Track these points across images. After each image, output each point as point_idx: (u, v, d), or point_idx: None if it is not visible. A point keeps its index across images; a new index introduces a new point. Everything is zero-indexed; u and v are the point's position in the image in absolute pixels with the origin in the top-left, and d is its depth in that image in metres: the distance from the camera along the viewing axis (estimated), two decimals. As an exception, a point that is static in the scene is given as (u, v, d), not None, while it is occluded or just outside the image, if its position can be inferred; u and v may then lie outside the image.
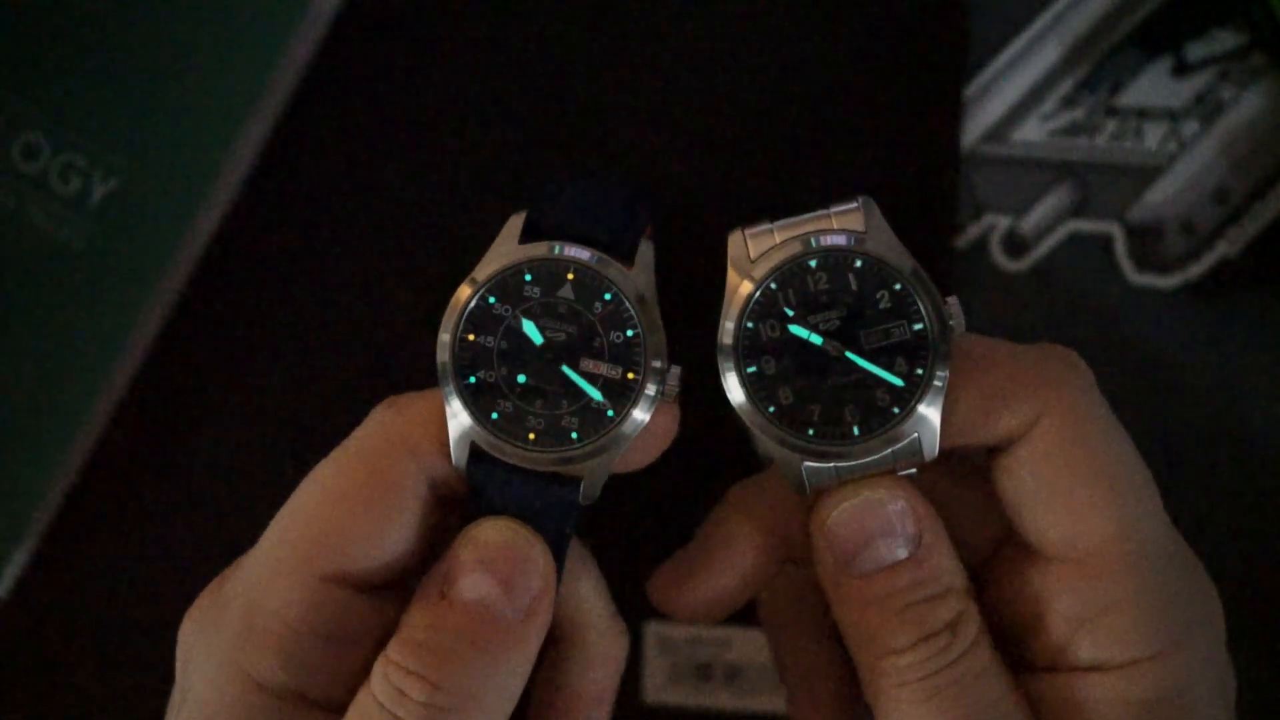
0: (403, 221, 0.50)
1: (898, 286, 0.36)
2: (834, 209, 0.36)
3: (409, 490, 0.36)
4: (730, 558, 0.39)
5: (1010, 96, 0.50)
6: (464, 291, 0.36)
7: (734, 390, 0.36)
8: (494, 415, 0.36)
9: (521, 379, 0.36)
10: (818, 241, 0.36)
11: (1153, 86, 0.50)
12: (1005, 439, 0.36)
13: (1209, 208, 0.49)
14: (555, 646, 0.39)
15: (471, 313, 0.36)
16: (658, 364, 0.36)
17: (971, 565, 0.36)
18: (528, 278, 0.36)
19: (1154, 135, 0.50)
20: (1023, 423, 0.35)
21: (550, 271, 0.36)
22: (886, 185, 0.49)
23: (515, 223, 0.37)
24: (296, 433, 0.50)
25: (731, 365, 0.36)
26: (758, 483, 0.40)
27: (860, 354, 0.35)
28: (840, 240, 0.36)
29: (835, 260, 0.36)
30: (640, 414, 0.36)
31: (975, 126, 0.50)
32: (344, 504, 0.35)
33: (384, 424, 0.36)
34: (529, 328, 0.36)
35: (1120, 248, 0.50)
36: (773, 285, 0.36)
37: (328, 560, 0.35)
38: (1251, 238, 0.49)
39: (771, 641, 0.43)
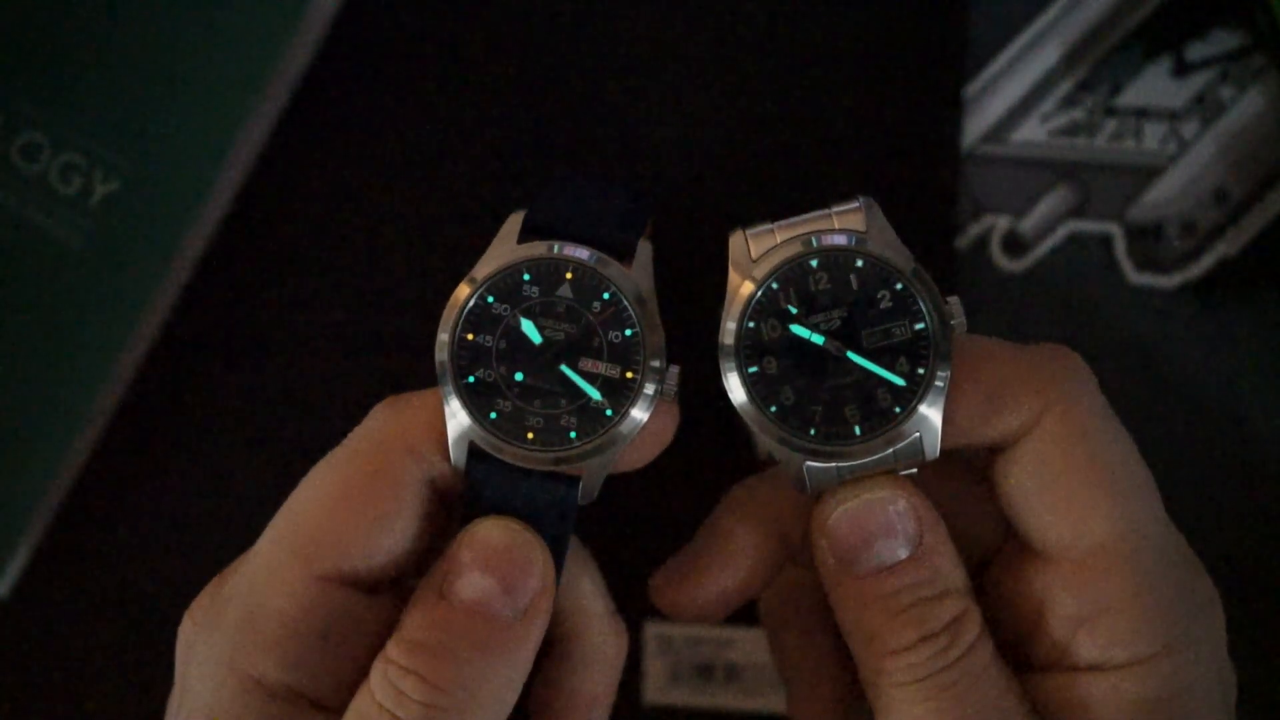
0: (402, 221, 0.50)
1: (899, 286, 0.36)
2: (835, 209, 0.36)
3: (408, 490, 0.36)
4: (731, 557, 0.39)
5: (1010, 96, 0.50)
6: (463, 291, 0.36)
7: (736, 390, 0.36)
8: (493, 415, 0.36)
9: (520, 378, 0.36)
10: (819, 241, 0.36)
11: (1153, 86, 0.50)
12: (1006, 439, 0.36)
13: (1209, 208, 0.49)
14: (554, 646, 0.39)
15: (470, 312, 0.36)
16: (656, 363, 0.36)
17: (972, 565, 0.36)
18: (526, 277, 0.36)
19: (1154, 135, 0.50)
20: (1023, 423, 0.35)
21: (549, 271, 0.36)
22: (886, 185, 0.49)
23: (514, 222, 0.37)
24: (296, 432, 0.50)
25: (733, 365, 0.36)
26: (759, 482, 0.40)
27: (861, 354, 0.35)
28: (841, 240, 0.36)
29: (836, 260, 0.36)
30: (639, 413, 0.36)
31: (975, 126, 0.50)
32: (343, 503, 0.35)
33: (383, 423, 0.36)
34: (528, 327, 0.36)
35: (1120, 248, 0.50)
36: (774, 285, 0.36)
37: (326, 560, 0.35)
38: (1251, 238, 0.49)
39: (772, 641, 0.43)
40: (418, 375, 0.38)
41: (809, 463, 0.36)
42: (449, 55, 0.50)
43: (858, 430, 0.35)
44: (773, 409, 0.36)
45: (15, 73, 0.48)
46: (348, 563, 0.35)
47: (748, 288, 0.36)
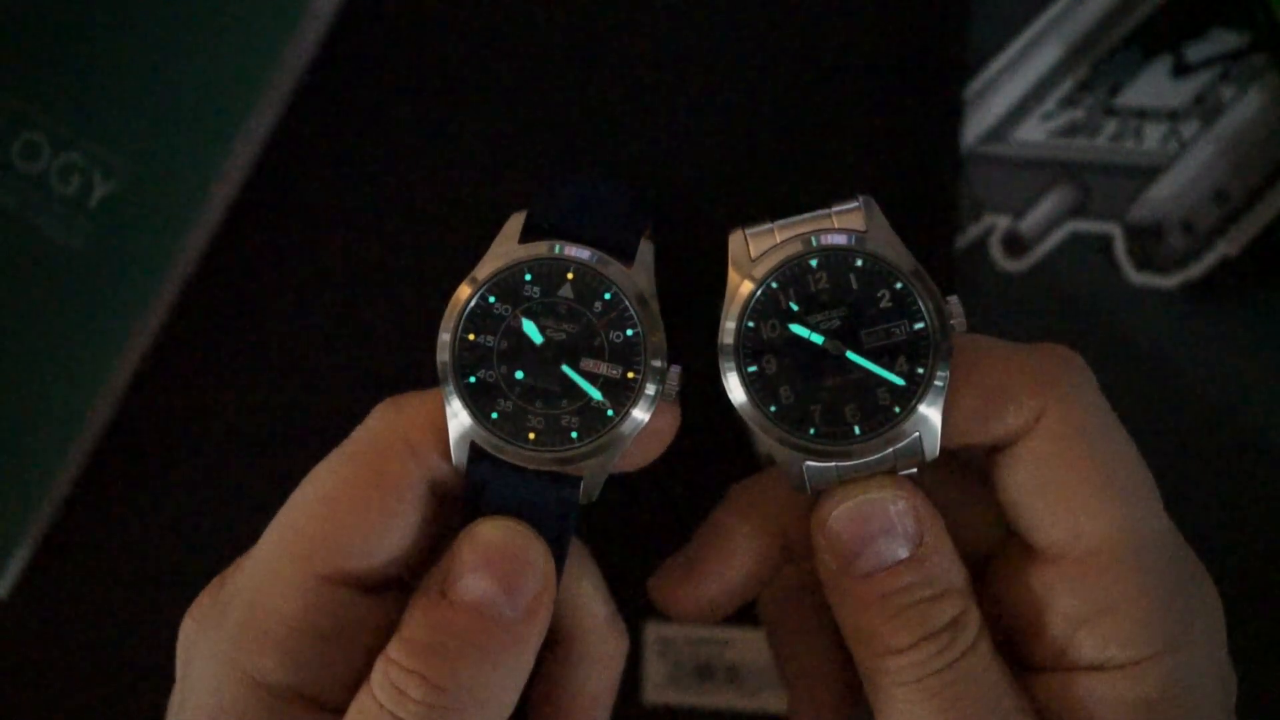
0: (403, 221, 0.50)
1: (899, 286, 0.36)
2: (834, 208, 0.36)
3: (409, 489, 0.36)
4: (731, 557, 0.39)
5: (1010, 96, 0.50)
6: (464, 291, 0.36)
7: (735, 390, 0.36)
8: (494, 415, 0.36)
9: (521, 378, 0.36)
10: (818, 241, 0.36)
11: (1153, 86, 0.50)
12: (1006, 438, 0.36)
13: (1209, 208, 0.49)
14: (555, 647, 0.39)
15: (471, 312, 0.36)
16: (657, 363, 0.36)
17: (972, 565, 0.36)
18: (528, 277, 0.36)
19: (1154, 135, 0.50)
20: (1023, 422, 0.35)
21: (550, 271, 0.36)
22: (886, 185, 0.49)
23: (515, 222, 0.37)
24: (297, 432, 0.50)
25: (733, 365, 0.36)
26: (758, 482, 0.40)
27: (861, 353, 0.35)
28: (841, 239, 0.36)
29: (836, 259, 0.36)
30: (640, 413, 0.36)
31: (975, 126, 0.50)
32: (343, 503, 0.35)
33: (384, 423, 0.36)
34: (529, 327, 0.36)
35: (1120, 248, 0.49)
36: (773, 285, 0.36)
37: (327, 559, 0.35)
38: (1251, 238, 0.49)
39: (772, 641, 0.43)
40: (419, 376, 0.38)
41: (808, 462, 0.36)
42: (449, 55, 0.50)
43: (857, 430, 0.35)
44: (772, 408, 0.36)
45: (15, 73, 0.48)
46: (349, 562, 0.35)
47: (747, 287, 0.36)
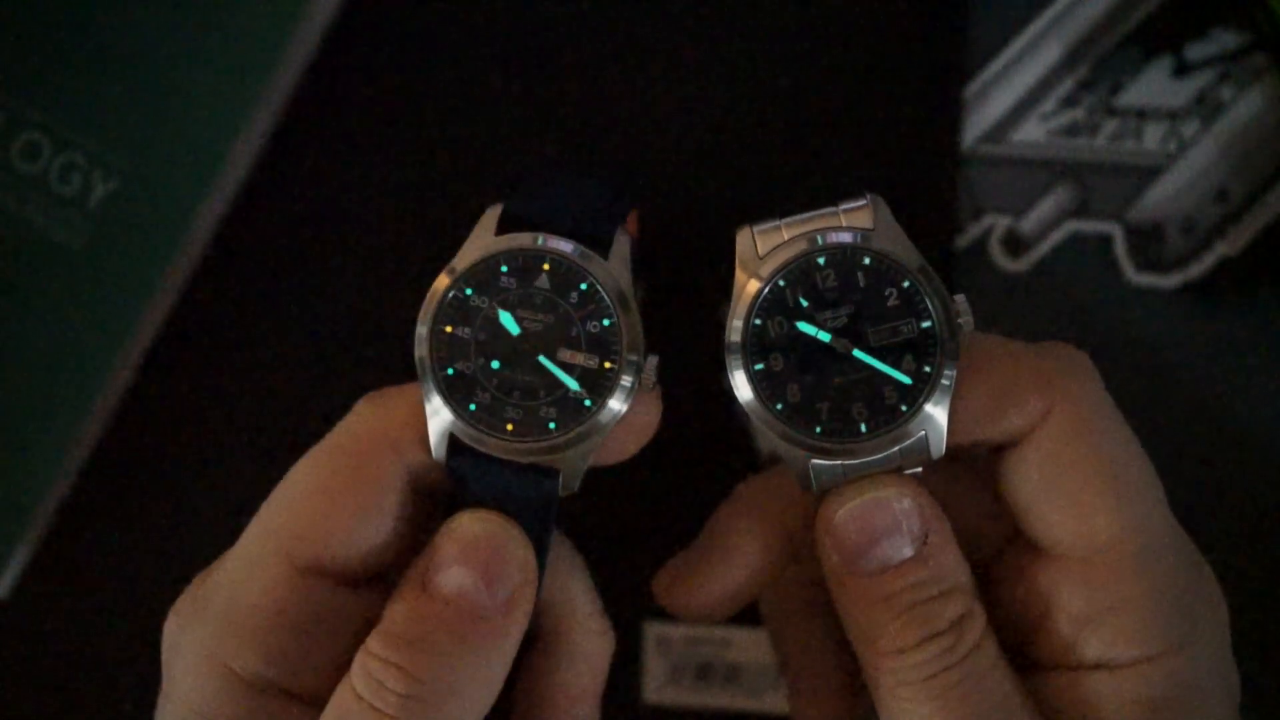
0: (402, 221, 0.50)
1: (906, 284, 0.36)
2: (842, 206, 0.36)
3: (389, 483, 0.36)
4: (736, 556, 0.39)
5: (1010, 96, 0.50)
6: (441, 283, 0.37)
7: (742, 387, 0.36)
8: (472, 406, 0.36)
9: (499, 369, 0.36)
10: (825, 239, 0.36)
11: (1153, 86, 0.50)
12: (1011, 437, 0.36)
13: (1209, 208, 0.49)
14: (540, 642, 0.39)
15: (449, 304, 0.36)
16: (634, 355, 0.36)
17: (977, 564, 0.36)
18: (504, 269, 0.36)
19: (1154, 135, 0.50)
20: (1029, 421, 0.35)
21: (526, 262, 0.36)
22: (886, 185, 0.49)
23: (492, 214, 0.37)
24: (297, 433, 0.50)
25: (739, 363, 0.36)
26: (764, 480, 0.40)
27: (868, 351, 0.35)
28: (848, 238, 0.36)
29: (843, 257, 0.36)
30: (617, 404, 0.36)
31: (975, 126, 0.50)
32: (323, 497, 0.35)
33: (364, 418, 0.37)
34: (506, 318, 0.36)
35: (1120, 248, 0.50)
36: (781, 282, 0.36)
37: (306, 552, 0.35)
38: (1251, 238, 0.49)
39: (774, 639, 0.43)
40: (410, 373, 0.38)
41: (814, 460, 0.36)
42: (449, 55, 0.50)
43: (864, 428, 0.35)
44: (779, 406, 0.36)
45: (15, 73, 0.48)
46: (329, 555, 0.35)
47: (754, 285, 0.36)
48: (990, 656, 0.35)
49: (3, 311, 0.48)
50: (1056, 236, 0.50)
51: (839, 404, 0.36)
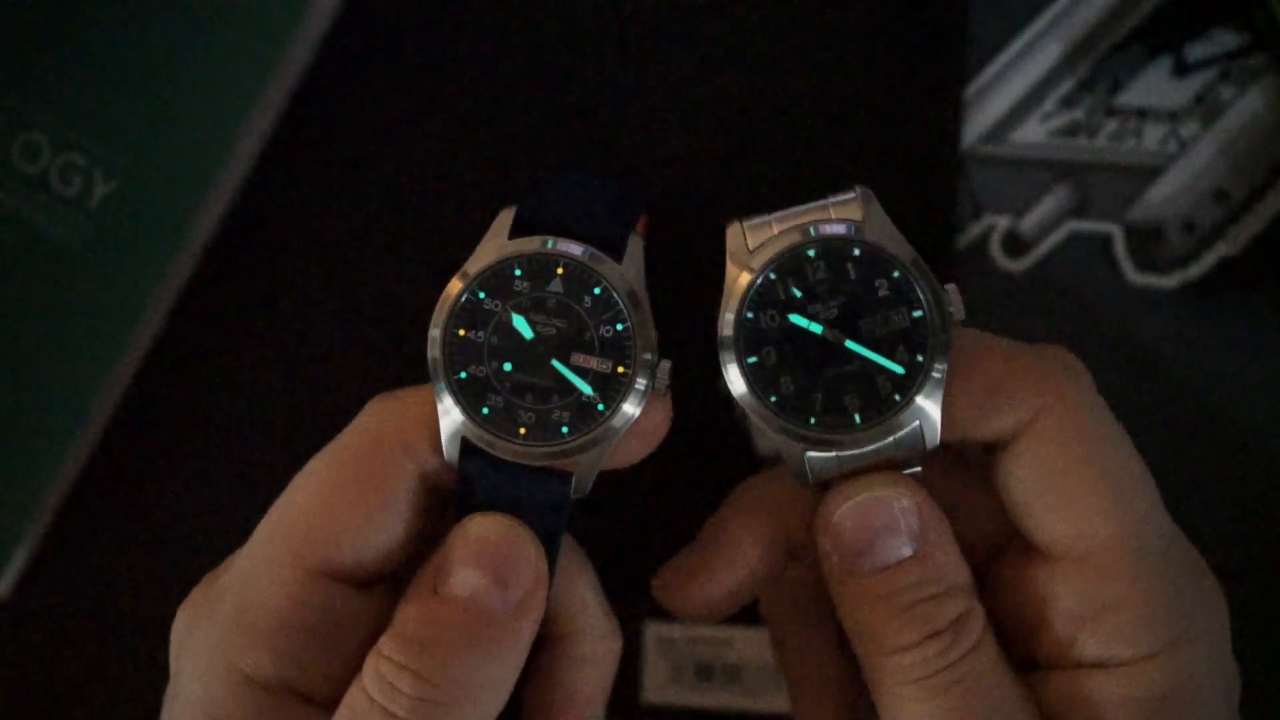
0: (402, 220, 0.50)
1: (896, 274, 0.36)
2: (831, 199, 0.36)
3: (400, 485, 0.36)
4: (736, 556, 0.39)
5: (1010, 96, 0.50)
6: (454, 286, 0.36)
7: (735, 381, 0.36)
8: (485, 410, 0.36)
9: (512, 373, 0.36)
10: (816, 231, 0.36)
11: (1153, 86, 0.50)
12: (1002, 435, 0.36)
13: (1209, 208, 0.49)
14: (549, 644, 0.39)
15: (462, 308, 0.36)
16: (648, 357, 0.36)
17: (976, 564, 0.36)
18: (517, 272, 0.36)
19: (1154, 135, 0.50)
20: (1019, 420, 0.35)
21: (540, 266, 0.36)
22: (886, 185, 0.49)
23: (505, 218, 0.37)
24: (296, 432, 0.50)
25: (732, 356, 0.36)
26: (763, 480, 0.40)
27: (860, 342, 0.35)
28: (838, 229, 0.36)
29: (833, 249, 0.36)
30: (630, 408, 0.36)
31: (975, 126, 0.50)
32: (334, 498, 0.35)
33: (375, 419, 0.36)
34: (519, 322, 0.36)
35: (1120, 248, 0.50)
36: (772, 275, 0.36)
37: (318, 553, 0.35)
38: (1251, 238, 0.49)
39: (775, 639, 0.43)
40: (419, 373, 0.38)
41: (810, 453, 0.36)
42: (448, 54, 0.50)
43: (858, 419, 0.35)
44: (773, 399, 0.36)
45: (15, 73, 0.48)
46: (340, 557, 0.35)
47: (745, 278, 0.36)
48: (990, 655, 0.35)
49: (3, 311, 0.48)
50: (1056, 236, 0.50)
51: (832, 395, 0.36)
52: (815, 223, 0.36)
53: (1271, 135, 0.49)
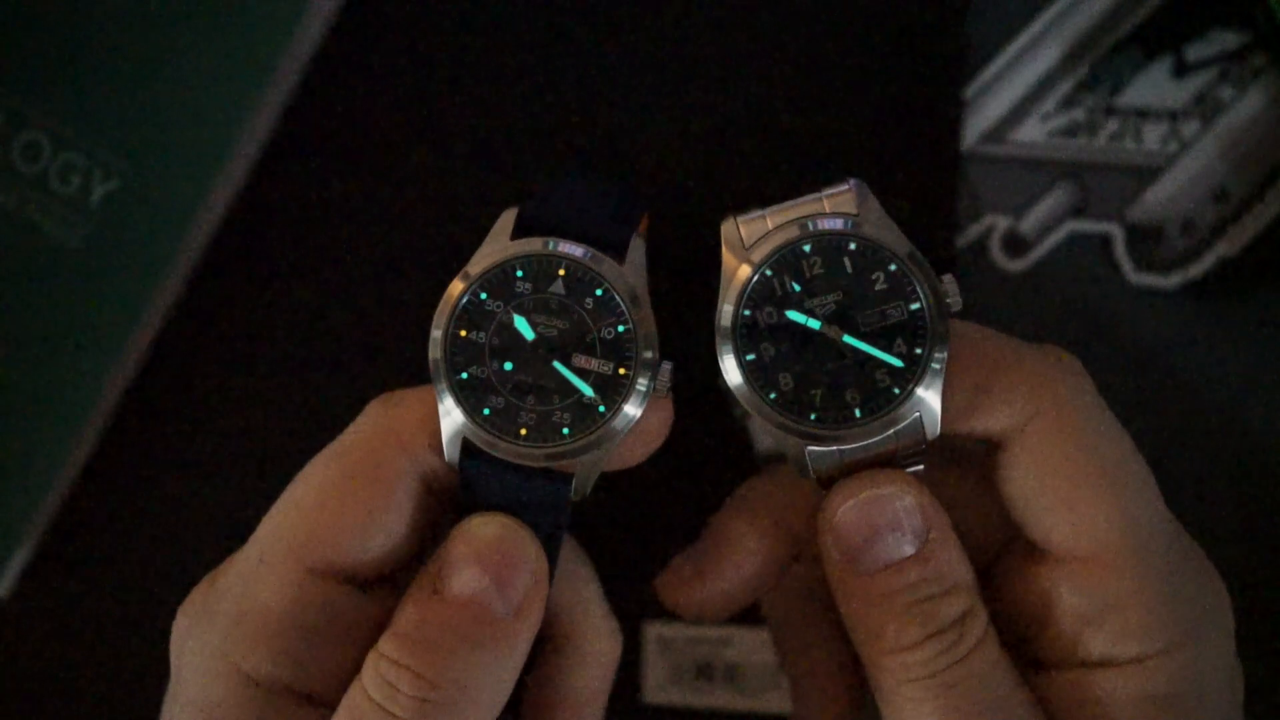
0: (402, 221, 0.50)
1: (893, 267, 0.36)
2: (825, 192, 0.36)
3: (401, 485, 0.36)
4: (738, 556, 0.39)
5: (1010, 96, 0.50)
6: (456, 287, 0.36)
7: (731, 372, 0.36)
8: (486, 411, 0.36)
9: (513, 374, 0.36)
10: (812, 225, 0.36)
11: (1153, 86, 0.50)
12: (997, 432, 0.36)
13: (1209, 208, 0.49)
14: (549, 644, 0.39)
15: (463, 309, 0.36)
16: (649, 356, 0.36)
17: (979, 564, 0.36)
18: (519, 273, 0.36)
19: (1154, 135, 0.50)
20: (1015, 417, 0.35)
21: (542, 267, 0.36)
22: (886, 185, 0.49)
23: (507, 219, 0.37)
24: (296, 432, 0.50)
25: (730, 349, 0.36)
26: (765, 481, 0.40)
27: (858, 336, 0.36)
28: (834, 224, 0.36)
29: (830, 244, 0.36)
30: (632, 409, 0.36)
31: (975, 126, 0.50)
32: (335, 498, 0.35)
33: (377, 420, 0.37)
34: (520, 323, 0.36)
35: (1120, 248, 0.50)
36: (768, 271, 0.36)
37: (318, 554, 0.35)
38: (1251, 238, 0.49)
39: (776, 638, 0.43)
40: (420, 374, 0.38)
41: (810, 448, 0.36)
42: (449, 54, 0.50)
43: (858, 412, 0.35)
44: (772, 395, 0.36)
45: (15, 73, 0.48)
46: (340, 557, 0.35)
47: (745, 270, 0.36)
48: (992, 654, 0.35)
49: (3, 311, 0.48)
50: (1056, 236, 0.50)
51: (832, 390, 0.36)
52: (810, 216, 0.36)
53: (1271, 135, 0.49)
